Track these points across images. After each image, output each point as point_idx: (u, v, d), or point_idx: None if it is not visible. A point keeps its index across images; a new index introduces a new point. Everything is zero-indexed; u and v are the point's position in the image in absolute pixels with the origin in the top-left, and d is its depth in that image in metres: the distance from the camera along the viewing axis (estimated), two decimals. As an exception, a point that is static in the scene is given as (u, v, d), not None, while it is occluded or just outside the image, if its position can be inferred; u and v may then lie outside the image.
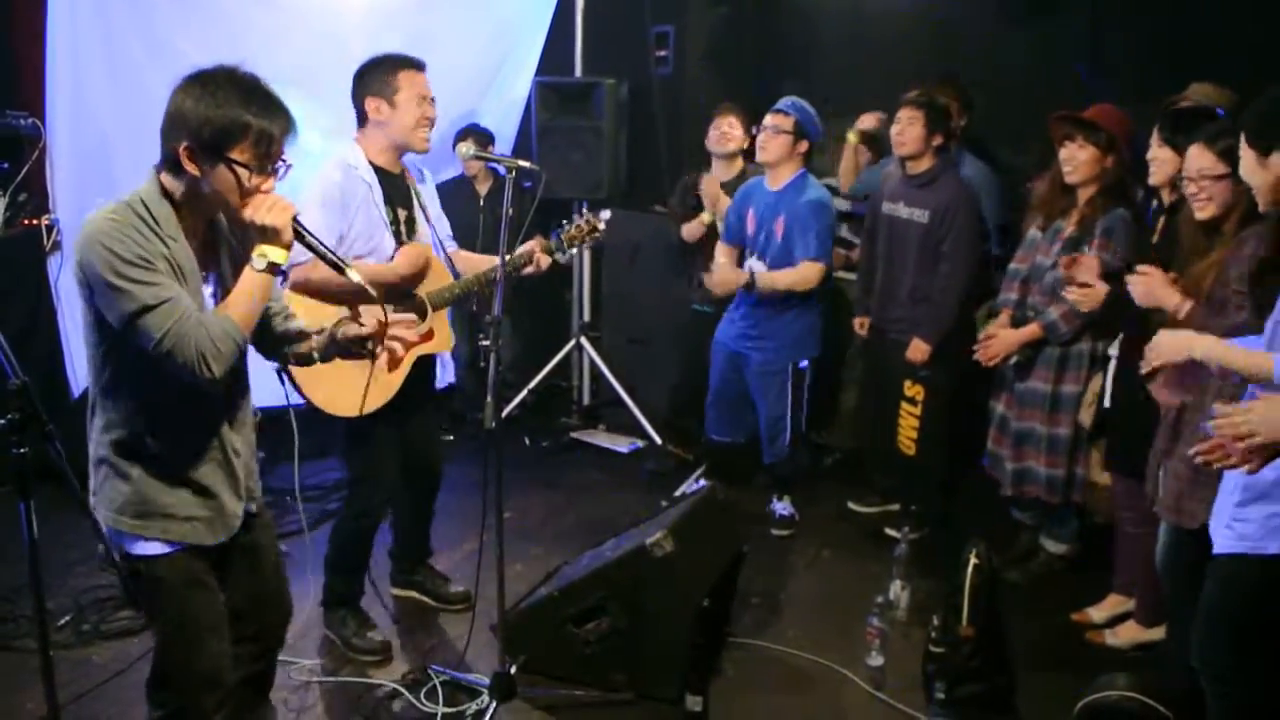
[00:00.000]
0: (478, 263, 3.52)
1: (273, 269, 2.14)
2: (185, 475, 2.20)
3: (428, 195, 3.49)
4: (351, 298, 2.60)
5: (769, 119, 4.29)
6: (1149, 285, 2.96)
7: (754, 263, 4.39)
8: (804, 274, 4.22)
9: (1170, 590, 3.05)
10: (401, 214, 3.33)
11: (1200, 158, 2.81)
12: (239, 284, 2.15)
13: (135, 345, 2.05)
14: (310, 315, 2.66)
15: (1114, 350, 3.57)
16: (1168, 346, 2.49)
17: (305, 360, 2.42)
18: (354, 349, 2.37)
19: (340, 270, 2.26)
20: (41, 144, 4.45)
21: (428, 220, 3.42)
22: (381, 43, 4.52)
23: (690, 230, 5.03)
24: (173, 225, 2.09)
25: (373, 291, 2.26)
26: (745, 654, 3.53)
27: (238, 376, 2.28)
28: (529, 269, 3.40)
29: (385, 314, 2.34)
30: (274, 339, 2.43)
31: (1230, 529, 2.37)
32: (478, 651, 3.43)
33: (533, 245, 3.41)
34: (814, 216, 4.21)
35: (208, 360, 2.04)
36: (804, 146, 4.28)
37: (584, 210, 3.55)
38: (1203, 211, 2.85)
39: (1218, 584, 2.43)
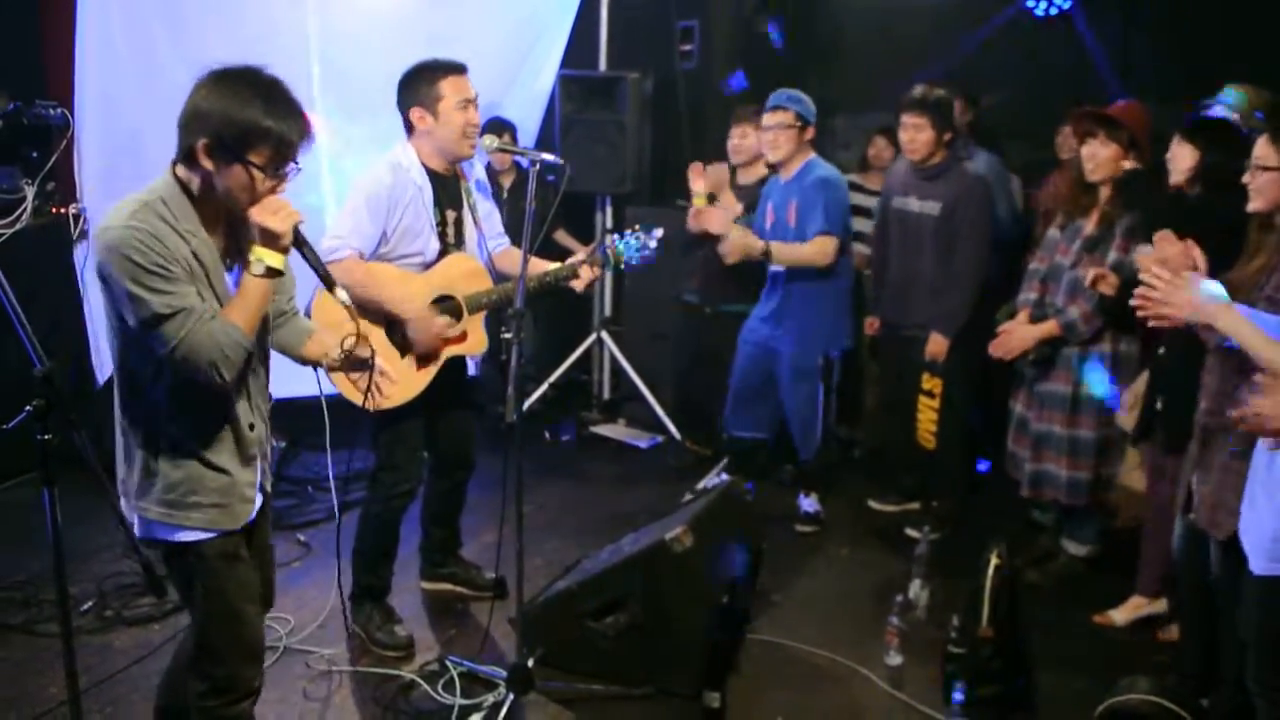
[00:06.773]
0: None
1: (270, 273, 2.16)
2: (211, 460, 2.23)
3: (477, 193, 3.52)
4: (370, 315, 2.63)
5: (769, 119, 4.25)
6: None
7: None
8: (819, 246, 4.18)
9: (1186, 592, 3.03)
10: (450, 216, 3.38)
11: (1260, 147, 2.73)
12: (240, 288, 2.18)
13: (151, 347, 2.10)
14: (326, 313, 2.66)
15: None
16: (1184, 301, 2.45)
17: (310, 365, 2.47)
18: (356, 367, 2.43)
19: (330, 288, 2.30)
20: (70, 134, 4.48)
21: (476, 223, 3.45)
22: (406, 36, 4.55)
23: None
24: (191, 220, 2.12)
25: (355, 315, 2.31)
26: (763, 651, 3.51)
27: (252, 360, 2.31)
28: (574, 281, 3.38)
29: (373, 355, 2.40)
30: (277, 342, 2.46)
31: (1269, 551, 2.31)
32: (496, 644, 3.45)
33: (580, 258, 3.39)
34: (819, 192, 4.19)
35: (219, 368, 2.11)
36: (810, 133, 4.27)
37: (636, 228, 3.51)
38: (1251, 204, 2.79)
39: (1266, 605, 2.38)
